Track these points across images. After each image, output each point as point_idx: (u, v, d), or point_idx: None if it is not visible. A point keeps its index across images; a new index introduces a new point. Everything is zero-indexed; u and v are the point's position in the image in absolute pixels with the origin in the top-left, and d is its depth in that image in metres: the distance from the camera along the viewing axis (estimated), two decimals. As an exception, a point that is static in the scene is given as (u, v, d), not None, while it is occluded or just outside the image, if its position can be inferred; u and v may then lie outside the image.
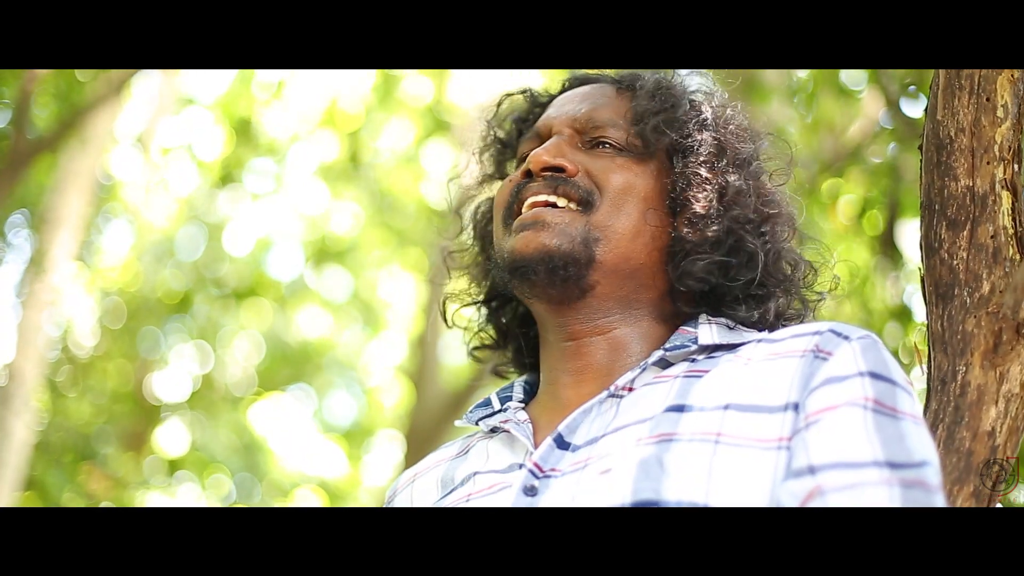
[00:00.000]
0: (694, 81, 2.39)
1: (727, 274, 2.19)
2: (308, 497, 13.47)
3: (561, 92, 2.41)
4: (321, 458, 14.42)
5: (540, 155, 2.19)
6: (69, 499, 10.37)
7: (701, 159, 2.22)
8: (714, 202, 2.20)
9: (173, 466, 12.28)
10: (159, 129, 11.96)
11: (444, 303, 2.52)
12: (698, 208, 2.19)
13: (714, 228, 2.18)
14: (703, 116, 2.28)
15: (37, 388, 8.80)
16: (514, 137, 2.44)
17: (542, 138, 2.28)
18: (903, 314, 5.89)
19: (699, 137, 2.24)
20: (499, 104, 2.49)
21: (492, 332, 2.47)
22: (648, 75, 2.32)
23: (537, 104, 2.44)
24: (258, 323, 14.16)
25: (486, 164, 2.48)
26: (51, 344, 9.78)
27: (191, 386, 12.69)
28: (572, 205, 2.15)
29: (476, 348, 2.49)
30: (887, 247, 6.34)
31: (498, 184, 2.44)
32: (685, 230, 2.18)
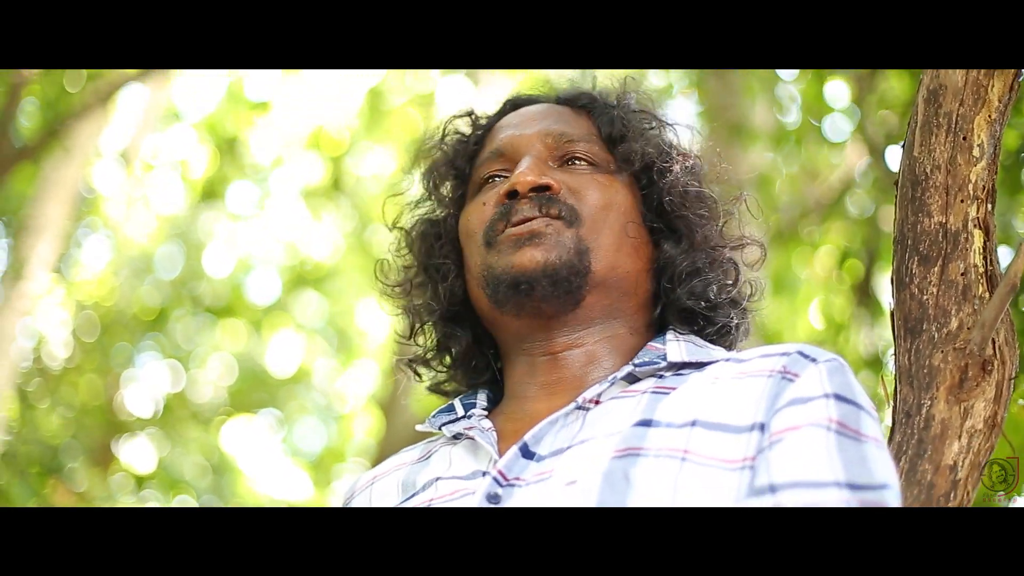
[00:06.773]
0: (644, 96, 2.42)
1: (718, 291, 2.23)
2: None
3: (503, 113, 2.42)
4: (288, 483, 14.35)
5: (525, 175, 2.19)
6: (33, 512, 10.27)
7: (678, 177, 2.25)
8: (701, 220, 2.24)
9: (140, 483, 12.19)
10: (143, 144, 11.95)
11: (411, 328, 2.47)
12: (687, 226, 2.24)
13: (707, 248, 2.22)
14: (668, 136, 2.33)
15: (7, 398, 8.74)
16: (458, 158, 2.42)
17: (507, 157, 2.29)
18: (876, 363, 5.92)
19: (671, 155, 2.28)
20: (441, 126, 2.48)
21: (443, 362, 2.43)
22: (597, 93, 2.36)
23: (479, 127, 2.44)
24: (232, 344, 14.11)
25: (427, 185, 2.47)
26: (24, 354, 9.71)
27: (162, 403, 12.62)
28: (557, 222, 2.17)
29: (435, 385, 2.45)
30: (864, 297, 6.37)
31: (432, 205, 2.44)
32: (671, 248, 2.23)
